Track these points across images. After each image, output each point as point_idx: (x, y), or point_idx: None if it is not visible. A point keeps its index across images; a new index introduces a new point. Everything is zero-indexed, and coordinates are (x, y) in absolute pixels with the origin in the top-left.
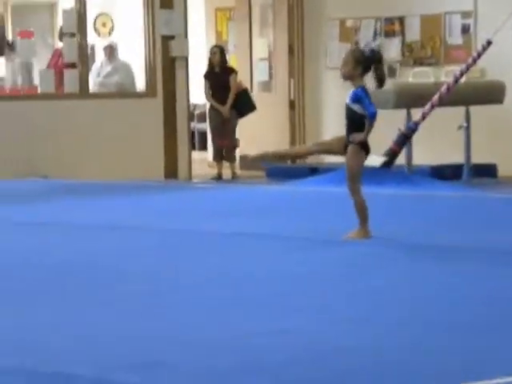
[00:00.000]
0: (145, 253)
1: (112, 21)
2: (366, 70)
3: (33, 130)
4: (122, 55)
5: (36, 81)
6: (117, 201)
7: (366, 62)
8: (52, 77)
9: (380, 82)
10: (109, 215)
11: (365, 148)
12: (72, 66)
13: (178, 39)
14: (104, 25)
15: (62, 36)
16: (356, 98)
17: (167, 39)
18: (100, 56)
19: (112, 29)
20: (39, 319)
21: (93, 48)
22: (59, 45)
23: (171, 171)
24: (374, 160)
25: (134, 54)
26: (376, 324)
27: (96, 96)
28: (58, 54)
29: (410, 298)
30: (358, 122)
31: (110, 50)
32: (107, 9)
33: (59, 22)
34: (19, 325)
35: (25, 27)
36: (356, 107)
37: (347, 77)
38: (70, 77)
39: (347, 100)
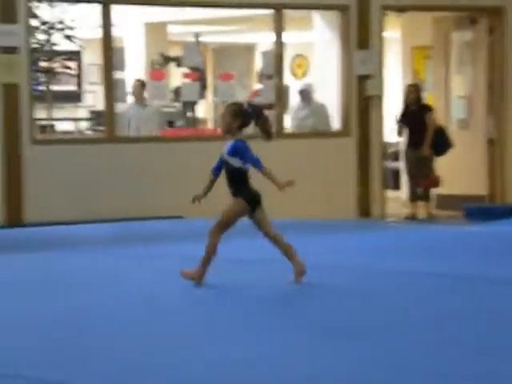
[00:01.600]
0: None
1: (307, 62)
2: (244, 124)
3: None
4: (317, 95)
5: None
6: (310, 239)
7: (244, 117)
8: None
9: (267, 134)
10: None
11: (252, 202)
12: (269, 107)
13: (373, 79)
14: (300, 66)
15: (260, 78)
16: (234, 151)
17: (363, 79)
18: (294, 97)
19: (307, 70)
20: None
21: (287, 89)
22: (256, 86)
23: (364, 210)
24: None
25: (329, 94)
26: None
27: (291, 136)
28: (256, 94)
29: None
30: (237, 175)
31: (306, 94)
32: (303, 50)
33: (257, 63)
34: None
35: (224, 69)
36: (233, 161)
37: (226, 131)
38: (270, 117)
39: (225, 153)
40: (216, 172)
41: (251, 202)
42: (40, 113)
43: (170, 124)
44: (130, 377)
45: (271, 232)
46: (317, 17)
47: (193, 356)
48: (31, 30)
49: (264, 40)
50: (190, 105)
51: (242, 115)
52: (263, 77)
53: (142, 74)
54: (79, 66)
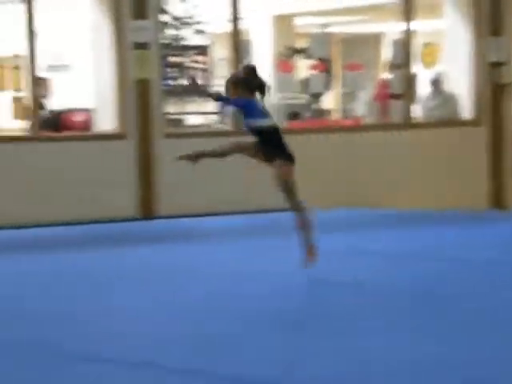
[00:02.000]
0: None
1: (437, 51)
2: (248, 87)
3: (358, 159)
4: (447, 84)
5: (360, 112)
6: (441, 230)
7: (243, 83)
8: (377, 108)
9: (260, 91)
10: (430, 244)
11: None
12: (397, 97)
13: (506, 66)
14: (429, 55)
15: (390, 67)
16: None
17: (495, 66)
18: (423, 86)
19: (437, 59)
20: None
21: (416, 78)
22: (383, 76)
23: (496, 202)
24: None
25: (459, 83)
26: None
27: (420, 125)
28: (383, 84)
29: None
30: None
31: (437, 83)
32: (433, 39)
33: (384, 53)
34: None
35: (352, 60)
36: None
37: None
38: (395, 108)
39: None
40: (220, 99)
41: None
42: (170, 107)
43: (295, 116)
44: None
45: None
46: (447, 4)
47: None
48: (162, 26)
49: (392, 29)
50: (317, 96)
51: (240, 82)
52: (392, 66)
53: (269, 67)
54: (208, 61)
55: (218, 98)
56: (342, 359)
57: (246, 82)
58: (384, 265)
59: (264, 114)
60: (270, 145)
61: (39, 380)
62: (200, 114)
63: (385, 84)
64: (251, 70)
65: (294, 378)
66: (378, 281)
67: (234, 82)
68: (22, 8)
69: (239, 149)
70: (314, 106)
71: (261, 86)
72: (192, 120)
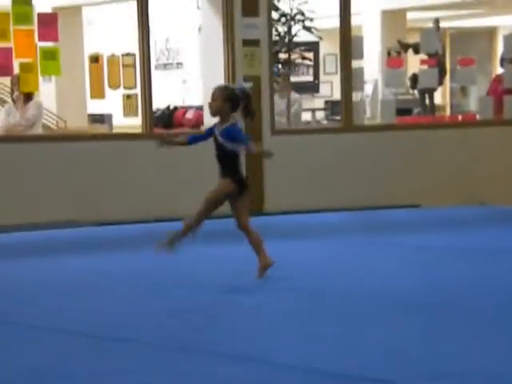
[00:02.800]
0: None
1: None
2: (234, 108)
3: (472, 156)
4: None
5: (472, 107)
6: None
7: (234, 101)
8: (491, 103)
9: (251, 116)
10: None
11: (240, 185)
12: (510, 92)
13: None
14: None
15: (502, 61)
16: (229, 136)
17: None
18: None
19: None
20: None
21: None
22: (499, 71)
23: None
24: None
25: None
26: None
27: None
28: (497, 79)
29: None
30: (229, 157)
31: None
32: None
33: (499, 47)
34: None
35: (463, 54)
36: (227, 144)
37: (214, 113)
38: (510, 103)
39: (219, 136)
40: (192, 140)
41: (239, 184)
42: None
43: (405, 111)
44: None
45: (245, 223)
46: None
47: None
48: (272, 23)
49: (507, 23)
50: (428, 92)
51: (232, 99)
52: (505, 61)
53: (378, 62)
54: (316, 57)
55: (190, 141)
56: None
57: (238, 104)
58: None
59: (236, 139)
60: (226, 166)
61: None
62: (308, 110)
63: (499, 79)
64: (248, 96)
65: None
66: None
67: (227, 96)
68: (134, 7)
69: (214, 204)
70: (424, 102)
71: (252, 114)
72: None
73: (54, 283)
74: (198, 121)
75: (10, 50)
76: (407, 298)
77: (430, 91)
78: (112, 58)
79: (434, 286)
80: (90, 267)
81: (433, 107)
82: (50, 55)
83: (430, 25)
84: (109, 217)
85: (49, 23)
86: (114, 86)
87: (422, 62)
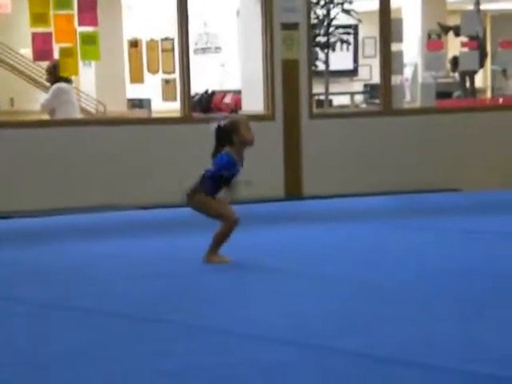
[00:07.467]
0: None
1: None
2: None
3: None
4: None
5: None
6: None
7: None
8: None
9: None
10: None
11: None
12: None
13: None
14: None
15: None
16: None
17: None
18: None
19: None
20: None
21: None
22: None
23: None
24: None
25: None
26: None
27: None
28: None
29: None
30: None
31: None
32: None
33: None
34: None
35: (504, 37)
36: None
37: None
38: None
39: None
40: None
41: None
42: (317, 87)
43: (445, 95)
44: None
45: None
46: None
47: None
48: (311, 6)
49: None
50: (469, 74)
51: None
52: None
53: (418, 45)
54: (355, 40)
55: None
56: None
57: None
58: None
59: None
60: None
61: None
62: (346, 94)
63: None
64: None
65: None
66: None
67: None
68: None
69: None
70: (464, 85)
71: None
72: (338, 100)
73: (102, 266)
74: (237, 105)
75: (50, 34)
76: (452, 279)
77: (471, 74)
78: (151, 43)
79: (482, 269)
80: (139, 250)
81: (473, 90)
82: (89, 40)
83: (471, 7)
84: (148, 200)
85: (88, 8)
86: (153, 70)
87: (463, 44)
